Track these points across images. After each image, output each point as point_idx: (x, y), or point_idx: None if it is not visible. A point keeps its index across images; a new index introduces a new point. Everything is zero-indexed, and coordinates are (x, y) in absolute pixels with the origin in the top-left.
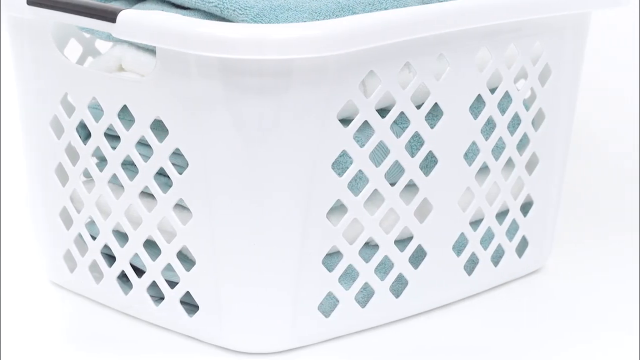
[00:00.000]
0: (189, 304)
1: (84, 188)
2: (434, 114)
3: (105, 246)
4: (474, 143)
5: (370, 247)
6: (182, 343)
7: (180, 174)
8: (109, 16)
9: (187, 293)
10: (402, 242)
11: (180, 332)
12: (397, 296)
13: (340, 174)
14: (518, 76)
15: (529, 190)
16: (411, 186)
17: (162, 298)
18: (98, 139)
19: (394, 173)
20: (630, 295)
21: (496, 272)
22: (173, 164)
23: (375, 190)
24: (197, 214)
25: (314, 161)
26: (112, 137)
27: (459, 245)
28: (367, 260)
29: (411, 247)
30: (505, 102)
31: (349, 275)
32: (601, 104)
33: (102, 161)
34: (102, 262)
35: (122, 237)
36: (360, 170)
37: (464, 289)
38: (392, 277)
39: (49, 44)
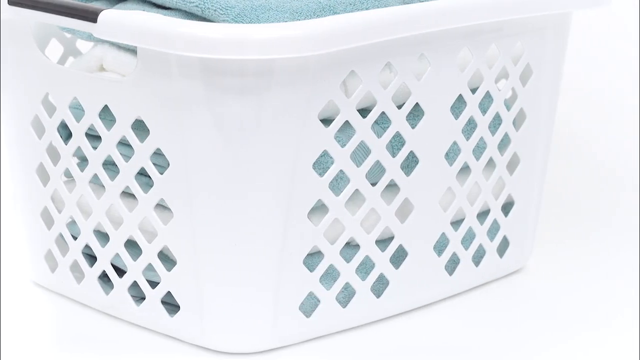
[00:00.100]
0: (170, 304)
1: (65, 188)
2: (415, 114)
3: (87, 246)
4: (455, 143)
5: (351, 247)
6: (163, 343)
7: (162, 174)
8: (90, 16)
9: (168, 293)
10: (383, 242)
11: (162, 332)
12: (378, 296)
13: (321, 174)
14: (499, 76)
15: (510, 190)
16: (392, 186)
17: (143, 298)
18: (79, 138)
19: (375, 173)
20: (611, 295)
21: (477, 272)
22: (154, 164)
23: (357, 190)
24: (178, 213)
25: (295, 161)
26: (93, 137)
27: (440, 246)
28: (348, 260)
29: (392, 247)
30: (486, 102)
31: (330, 275)
32: (582, 104)
33: (83, 161)
34: (83, 262)
35: (103, 237)
36: (341, 170)
37: (445, 289)
38: (373, 277)
39: (30, 44)
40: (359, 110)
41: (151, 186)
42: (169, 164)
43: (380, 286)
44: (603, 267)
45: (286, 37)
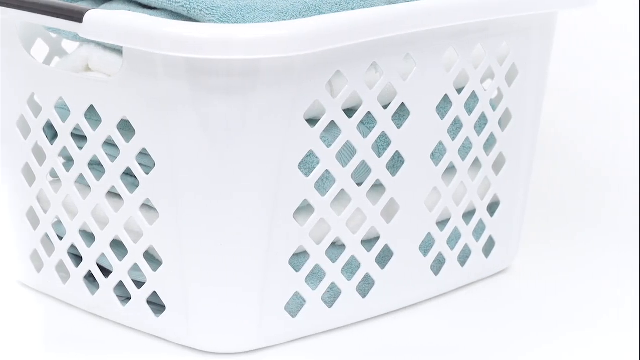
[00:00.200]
0: (156, 304)
1: (50, 188)
2: (401, 114)
3: (72, 246)
4: (440, 143)
5: (337, 247)
6: (149, 343)
7: (147, 174)
8: (76, 16)
9: (154, 293)
10: (368, 242)
11: (147, 332)
12: (363, 296)
13: (307, 174)
14: (485, 76)
15: (496, 190)
16: (378, 186)
17: (129, 298)
18: (65, 139)
19: (361, 173)
20: (596, 295)
21: (463, 272)
22: (140, 164)
23: (342, 190)
24: (164, 213)
25: (281, 161)
26: (79, 137)
27: (426, 245)
28: (334, 260)
29: (378, 247)
30: (472, 102)
31: (316, 275)
32: (568, 104)
33: (69, 161)
34: (69, 262)
35: (88, 237)
36: (327, 170)
37: (430, 289)
38: (359, 277)
39: (15, 44)
40: (344, 110)
41: (137, 186)
42: (154, 164)
43: (366, 286)
44: (588, 267)
45: (272, 37)
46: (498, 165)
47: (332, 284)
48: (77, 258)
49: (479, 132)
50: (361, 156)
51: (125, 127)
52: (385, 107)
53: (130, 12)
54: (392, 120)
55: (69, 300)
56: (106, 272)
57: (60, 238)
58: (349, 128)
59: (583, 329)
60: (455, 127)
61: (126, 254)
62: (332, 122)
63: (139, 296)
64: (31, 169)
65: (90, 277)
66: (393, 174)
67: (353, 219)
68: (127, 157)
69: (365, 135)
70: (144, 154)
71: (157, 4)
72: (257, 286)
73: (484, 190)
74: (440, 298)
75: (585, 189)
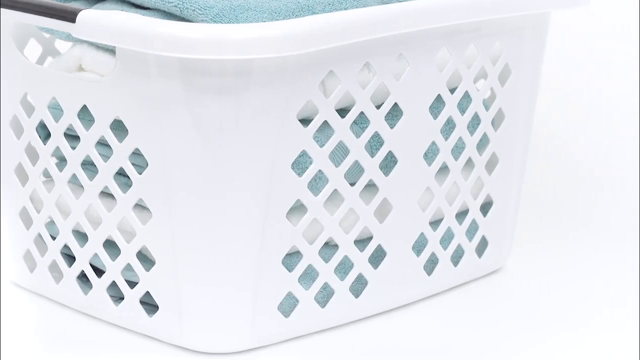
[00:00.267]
0: (149, 304)
1: (43, 188)
2: (394, 114)
3: (65, 246)
4: (433, 143)
5: (330, 247)
6: (142, 343)
7: (140, 174)
8: (69, 16)
9: (147, 293)
10: (361, 242)
11: (140, 332)
12: (356, 296)
13: (300, 174)
14: (478, 76)
15: (489, 190)
16: (371, 186)
17: (122, 298)
18: (58, 139)
19: (354, 173)
20: (589, 295)
21: (456, 272)
22: (133, 164)
23: (335, 190)
24: (157, 213)
25: (274, 161)
26: (72, 137)
27: (419, 245)
28: (326, 260)
29: (371, 247)
30: (465, 102)
31: (309, 275)
32: (561, 104)
33: (61, 161)
34: (61, 262)
35: (81, 237)
36: (320, 170)
37: (423, 289)
38: (351, 277)
39: (8, 44)
40: (337, 110)
41: (130, 186)
42: (147, 164)
43: (359, 286)
44: (581, 267)
45: (265, 37)
46: (491, 165)
47: (325, 284)
48: (70, 258)
49: (472, 132)
50: (354, 156)
51: (118, 127)
52: (378, 107)
53: (123, 12)
54: (385, 120)
55: (62, 300)
56: (99, 272)
57: (53, 238)
58: (342, 128)
59: (576, 328)
60: (448, 127)
61: (119, 254)
62: (325, 122)
63: (132, 296)
64: (24, 169)
65: (83, 277)
66: (386, 174)
67: (346, 219)
68: (120, 157)
69: (358, 135)
70: (137, 154)
71: (150, 4)
72: (250, 286)
73: (477, 190)
74: (433, 298)
75: (578, 189)
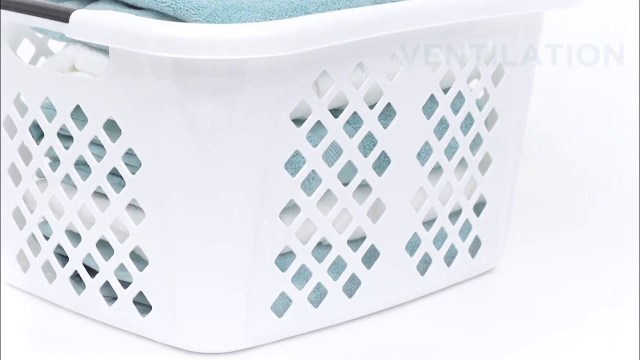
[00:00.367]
0: (142, 304)
1: (37, 188)
2: (387, 114)
3: (58, 246)
4: (427, 143)
5: (323, 247)
6: (135, 343)
7: (133, 174)
8: (62, 16)
9: (140, 293)
10: (355, 242)
11: (133, 332)
12: (350, 296)
13: (293, 174)
14: (471, 76)
15: (482, 190)
16: (364, 186)
17: (115, 298)
18: (51, 139)
19: (347, 173)
20: (582, 295)
21: (449, 272)
22: (126, 164)
23: (328, 190)
24: (150, 213)
25: (267, 161)
26: (65, 137)
27: (412, 245)
28: (320, 260)
29: (364, 247)
30: (458, 102)
31: (302, 275)
32: (554, 104)
33: (55, 161)
34: (55, 262)
35: (75, 237)
36: (313, 170)
37: (417, 289)
38: (345, 277)
39: (1, 44)
40: (330, 110)
41: (123, 186)
42: (140, 164)
43: (352, 286)
44: (574, 267)
45: (258, 37)
46: (484, 165)
47: (319, 284)
48: (63, 258)
49: (465, 132)
50: (347, 156)
51: (112, 127)
52: (371, 107)
53: (117, 12)
54: (379, 120)
55: (55, 300)
56: (92, 272)
57: (47, 238)
58: (335, 128)
59: (569, 328)
60: (442, 127)
61: (112, 254)
62: (319, 122)
63: (125, 296)
64: (17, 169)
65: (76, 277)
66: (379, 174)
67: (339, 219)
68: (113, 157)
69: (351, 136)
70: (130, 154)
71: (143, 4)
72: (244, 286)
73: (470, 190)
74: (426, 298)
75: (571, 189)
